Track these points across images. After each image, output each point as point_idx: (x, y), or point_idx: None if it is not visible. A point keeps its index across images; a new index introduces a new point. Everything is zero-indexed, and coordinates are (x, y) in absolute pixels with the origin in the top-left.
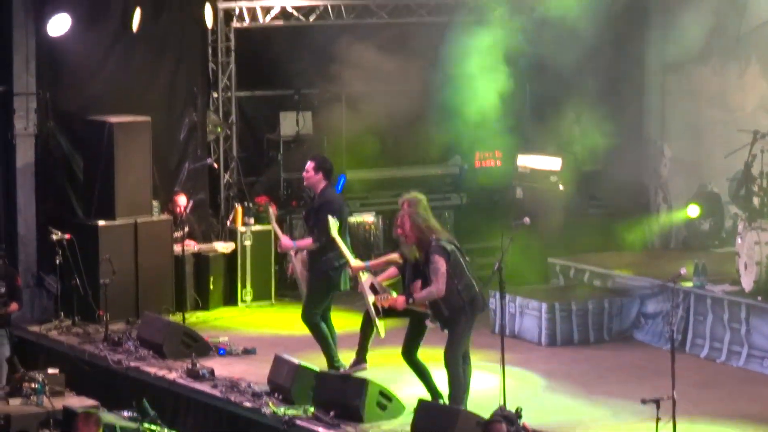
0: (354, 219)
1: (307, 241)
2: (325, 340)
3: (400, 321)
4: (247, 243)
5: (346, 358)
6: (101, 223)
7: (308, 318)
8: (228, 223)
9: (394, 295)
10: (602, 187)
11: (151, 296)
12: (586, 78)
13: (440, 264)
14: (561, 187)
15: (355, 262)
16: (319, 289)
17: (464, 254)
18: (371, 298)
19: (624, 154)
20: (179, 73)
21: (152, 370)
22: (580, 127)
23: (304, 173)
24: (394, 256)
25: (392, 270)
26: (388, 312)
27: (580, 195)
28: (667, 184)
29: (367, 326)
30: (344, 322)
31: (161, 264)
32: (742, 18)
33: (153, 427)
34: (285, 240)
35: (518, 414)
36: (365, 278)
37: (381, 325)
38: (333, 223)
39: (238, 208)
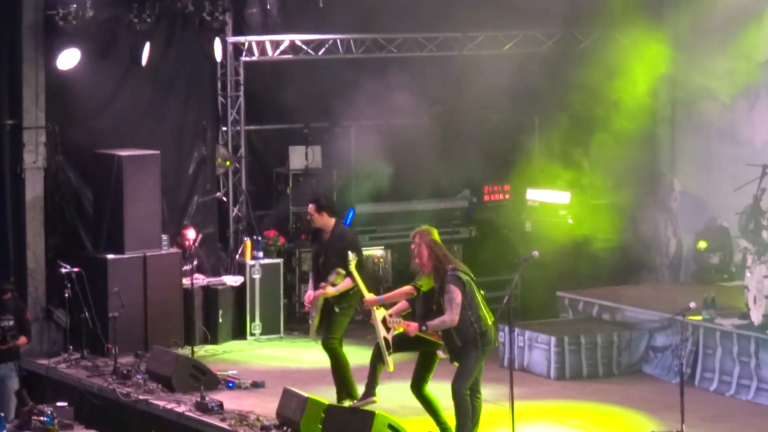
0: (363, 252)
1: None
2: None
3: (409, 355)
4: (256, 276)
5: (358, 390)
6: (110, 256)
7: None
8: (237, 256)
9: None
10: (611, 220)
11: (160, 329)
12: (595, 111)
13: (455, 294)
14: (570, 220)
15: (369, 296)
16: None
17: (479, 287)
18: (383, 332)
19: (634, 188)
20: (188, 107)
21: (161, 403)
22: (589, 161)
23: (309, 217)
24: (407, 288)
25: (403, 304)
26: (399, 346)
27: (589, 228)
28: (677, 218)
29: (378, 360)
30: (354, 355)
31: (170, 297)
32: (752, 52)
33: None
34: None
35: None
36: (378, 313)
37: (391, 359)
38: (352, 258)
39: (247, 241)
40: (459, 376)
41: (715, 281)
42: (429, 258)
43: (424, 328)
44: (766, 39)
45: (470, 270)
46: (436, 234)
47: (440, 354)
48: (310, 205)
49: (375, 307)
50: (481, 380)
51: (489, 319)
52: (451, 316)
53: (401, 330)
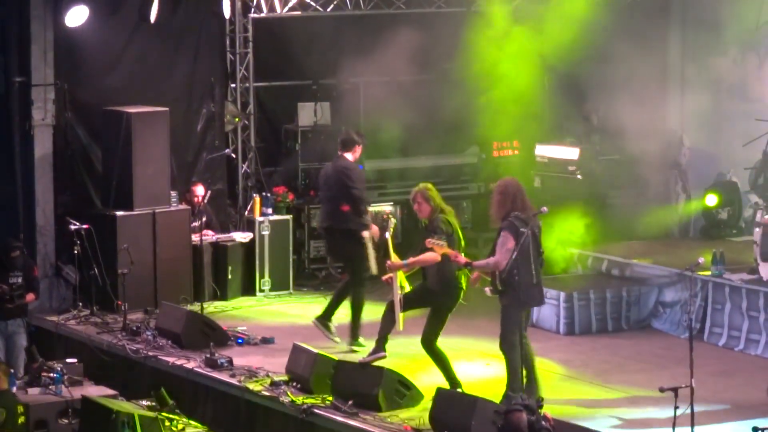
0: (372, 209)
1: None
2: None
3: (419, 311)
4: (265, 233)
5: (367, 346)
6: (119, 213)
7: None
8: (246, 213)
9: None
10: (621, 176)
11: (170, 286)
12: (606, 68)
13: (508, 240)
14: (579, 176)
15: (395, 259)
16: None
17: (538, 246)
18: (399, 292)
19: (643, 144)
20: (197, 63)
21: (170, 359)
22: (598, 116)
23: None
24: (432, 255)
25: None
26: (409, 304)
27: (598, 184)
28: (687, 174)
29: (389, 317)
30: (367, 312)
31: (179, 254)
32: (761, 8)
33: (171, 416)
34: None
35: (539, 404)
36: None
37: (401, 318)
38: (392, 225)
39: (256, 198)
40: (502, 330)
41: (724, 236)
42: (497, 205)
43: (471, 265)
44: None
45: (476, 227)
46: (434, 191)
47: (487, 291)
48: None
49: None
50: (524, 332)
51: (535, 278)
52: (497, 259)
53: (443, 252)
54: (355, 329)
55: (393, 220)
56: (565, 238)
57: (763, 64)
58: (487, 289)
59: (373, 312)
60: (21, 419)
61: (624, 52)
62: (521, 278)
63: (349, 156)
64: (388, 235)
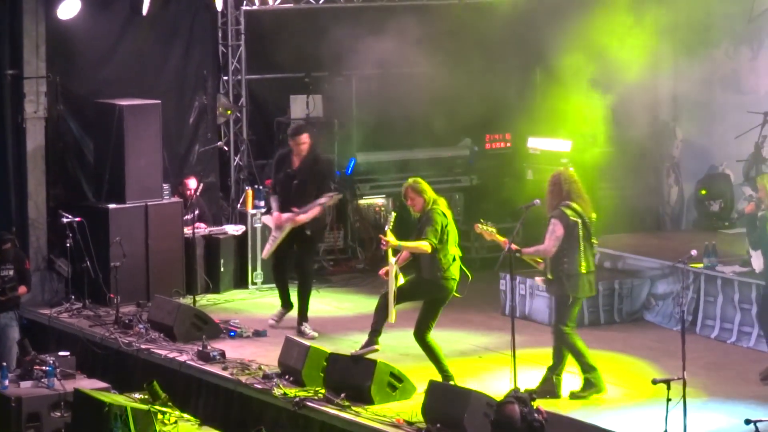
0: (364, 201)
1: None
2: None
3: (411, 304)
4: (258, 225)
5: (360, 339)
6: (112, 206)
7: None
8: (238, 205)
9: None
10: (613, 168)
11: (162, 279)
12: (597, 59)
13: (557, 228)
14: (571, 168)
15: (390, 236)
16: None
17: (589, 236)
18: (393, 286)
19: (636, 136)
20: (189, 56)
21: (163, 352)
22: (591, 109)
23: (303, 146)
24: (423, 243)
25: (406, 254)
26: (403, 297)
27: (591, 177)
28: (679, 166)
29: (383, 310)
30: (359, 304)
31: (172, 247)
32: (753, 1)
33: (164, 409)
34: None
35: (532, 397)
36: (393, 262)
37: (394, 311)
38: (392, 219)
39: (249, 190)
40: (555, 315)
41: (717, 228)
42: (551, 194)
43: (520, 251)
44: None
45: (469, 219)
46: (424, 183)
47: (537, 280)
48: (306, 134)
49: (393, 262)
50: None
51: (584, 267)
52: (546, 246)
53: (492, 238)
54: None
55: (393, 213)
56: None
57: (755, 57)
58: (539, 279)
59: (366, 305)
60: None
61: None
62: (570, 267)
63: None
64: (387, 228)
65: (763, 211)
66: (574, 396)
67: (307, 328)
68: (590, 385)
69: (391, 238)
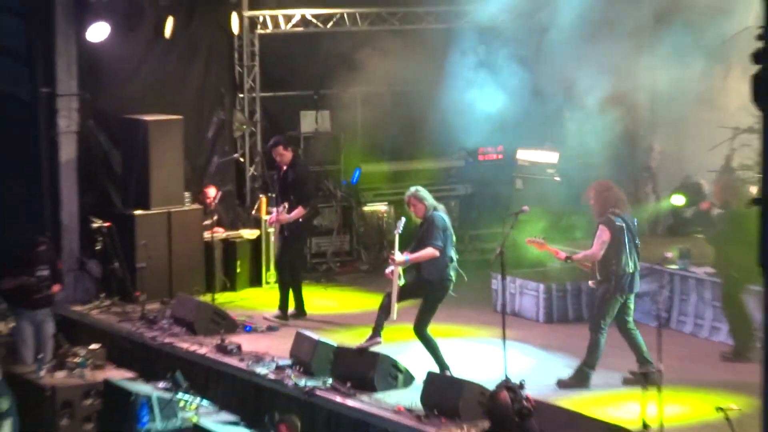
0: (368, 208)
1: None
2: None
3: (411, 302)
4: (271, 230)
5: (364, 333)
6: (137, 212)
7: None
8: (253, 212)
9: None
10: (596, 178)
11: (184, 278)
12: (580, 77)
13: (604, 233)
14: (557, 178)
15: (398, 255)
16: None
17: (634, 238)
18: (396, 285)
19: (616, 149)
20: (208, 75)
21: (185, 345)
22: (575, 123)
23: (279, 157)
24: (431, 251)
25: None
26: (405, 295)
27: (575, 185)
28: (656, 176)
29: (386, 307)
30: (364, 301)
31: (192, 249)
32: (725, 25)
33: (186, 397)
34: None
35: (522, 386)
36: (397, 267)
37: (396, 309)
38: (400, 224)
39: (262, 198)
40: (597, 312)
41: (690, 233)
42: (596, 202)
43: (570, 258)
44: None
45: (464, 225)
46: (424, 191)
47: (590, 284)
48: (280, 146)
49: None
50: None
51: (630, 267)
52: (593, 251)
53: (544, 249)
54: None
55: (403, 219)
56: (545, 234)
57: (727, 76)
58: (591, 283)
59: (370, 302)
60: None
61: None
62: (617, 268)
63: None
64: (397, 233)
65: (717, 210)
66: (625, 382)
67: (271, 316)
68: (577, 375)
69: (399, 257)
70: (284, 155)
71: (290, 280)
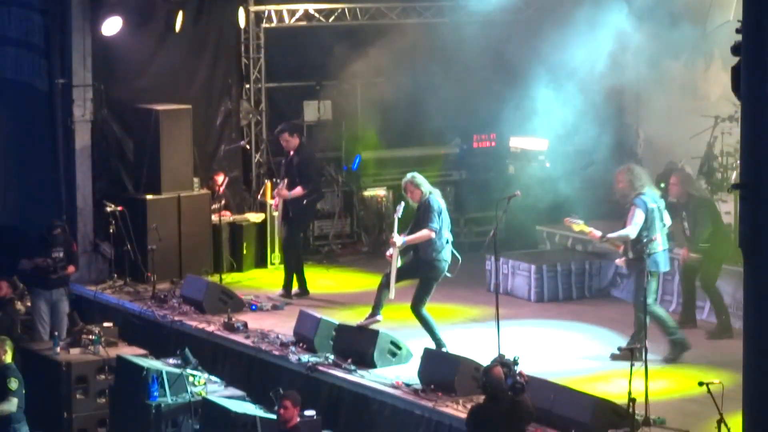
0: (368, 193)
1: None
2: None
3: (408, 282)
4: (276, 213)
5: (364, 312)
6: (149, 197)
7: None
8: (258, 196)
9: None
10: (583, 164)
11: (193, 260)
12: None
13: (638, 215)
14: (547, 164)
15: (396, 237)
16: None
17: (662, 218)
18: (395, 266)
19: (604, 137)
20: (216, 67)
21: (193, 323)
22: (565, 113)
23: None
24: (426, 232)
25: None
26: (402, 276)
27: (564, 171)
28: (642, 162)
29: (385, 286)
30: (363, 281)
31: (201, 232)
32: (707, 16)
33: (194, 372)
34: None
35: (515, 362)
36: (396, 248)
37: (394, 288)
38: (400, 208)
39: (268, 183)
40: (635, 290)
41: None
42: (622, 182)
43: (605, 237)
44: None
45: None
46: (420, 177)
47: (619, 263)
48: (286, 133)
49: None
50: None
51: (662, 245)
52: (628, 231)
53: (580, 229)
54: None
55: (403, 204)
56: (536, 217)
57: (708, 68)
58: (619, 261)
59: (369, 282)
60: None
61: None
62: (651, 246)
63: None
64: (397, 216)
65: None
66: (667, 361)
67: (275, 295)
68: (676, 346)
69: (397, 239)
70: (290, 141)
71: (294, 261)
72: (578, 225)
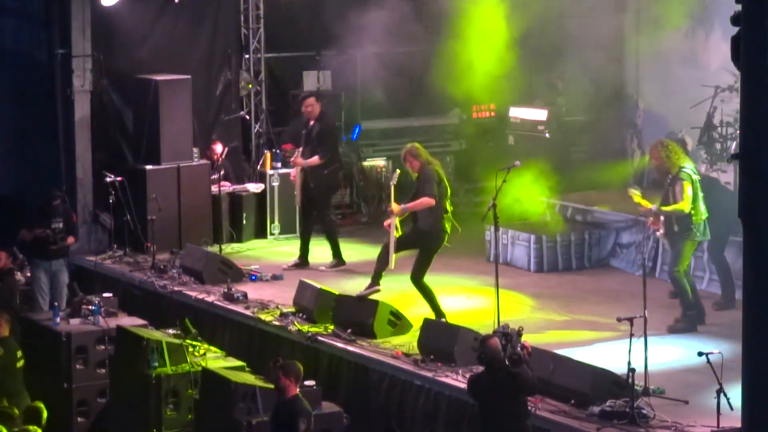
0: (368, 163)
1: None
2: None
3: (408, 252)
4: (275, 184)
5: (364, 282)
6: (148, 167)
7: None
8: (258, 167)
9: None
10: (584, 134)
11: (192, 230)
12: (571, 40)
13: (688, 187)
14: (547, 135)
15: (394, 206)
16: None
17: (702, 188)
18: (394, 236)
19: (604, 107)
20: (216, 37)
21: (193, 293)
22: (564, 83)
23: (309, 109)
24: (426, 200)
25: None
26: (402, 246)
27: (563, 142)
28: (641, 132)
29: (384, 257)
30: (362, 252)
31: (200, 202)
32: None
33: (194, 343)
34: (397, 207)
35: (519, 333)
36: (395, 218)
37: (394, 258)
38: (395, 175)
39: (267, 153)
40: (674, 260)
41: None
42: (659, 159)
43: (658, 210)
44: None
45: (459, 179)
46: (420, 148)
47: (659, 234)
48: (313, 98)
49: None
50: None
51: (703, 215)
52: (683, 205)
53: (638, 200)
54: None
55: (398, 171)
56: (535, 188)
57: (708, 37)
58: (660, 233)
59: (369, 253)
60: (19, 363)
61: (584, 28)
62: (696, 216)
63: None
64: (392, 184)
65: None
66: (672, 331)
67: (324, 266)
68: (688, 322)
69: (396, 207)
70: (314, 107)
71: (305, 230)
72: (637, 195)
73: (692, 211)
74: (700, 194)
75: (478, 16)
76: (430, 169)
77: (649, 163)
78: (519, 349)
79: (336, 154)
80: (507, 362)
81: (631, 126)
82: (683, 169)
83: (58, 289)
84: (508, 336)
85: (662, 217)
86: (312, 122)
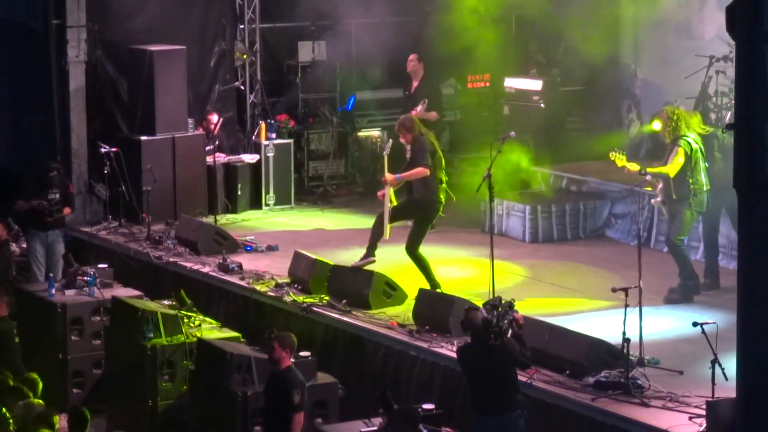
0: (363, 133)
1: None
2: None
3: (403, 222)
4: (270, 154)
5: (359, 253)
6: (143, 138)
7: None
8: (253, 137)
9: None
10: (579, 104)
11: (187, 201)
12: (567, 9)
13: (680, 155)
14: (542, 105)
15: (388, 175)
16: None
17: (705, 158)
18: (388, 206)
19: (601, 76)
20: (210, 8)
21: (188, 264)
22: (561, 52)
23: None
24: (420, 169)
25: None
26: (396, 216)
27: (559, 111)
28: (639, 102)
29: (378, 227)
30: (357, 222)
31: (196, 173)
32: None
33: (189, 314)
34: (390, 176)
35: (511, 305)
36: (389, 188)
37: (388, 229)
38: (388, 145)
39: (262, 124)
40: (674, 229)
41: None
42: (668, 126)
43: (644, 172)
44: None
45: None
46: (414, 119)
47: (654, 202)
48: (413, 55)
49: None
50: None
51: (706, 185)
52: (668, 168)
53: (622, 164)
54: None
55: (391, 141)
56: (530, 158)
57: (703, 7)
58: (656, 201)
59: (364, 223)
60: (17, 339)
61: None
62: (696, 186)
63: None
64: (385, 153)
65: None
66: (668, 301)
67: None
68: (685, 292)
69: (390, 177)
70: (418, 67)
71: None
72: (620, 159)
73: (690, 180)
74: (702, 164)
75: None
76: (424, 139)
77: (661, 130)
78: (505, 322)
79: (442, 114)
80: (489, 334)
81: (629, 96)
82: (684, 137)
83: (54, 260)
84: (496, 308)
85: (660, 184)
86: (415, 85)
